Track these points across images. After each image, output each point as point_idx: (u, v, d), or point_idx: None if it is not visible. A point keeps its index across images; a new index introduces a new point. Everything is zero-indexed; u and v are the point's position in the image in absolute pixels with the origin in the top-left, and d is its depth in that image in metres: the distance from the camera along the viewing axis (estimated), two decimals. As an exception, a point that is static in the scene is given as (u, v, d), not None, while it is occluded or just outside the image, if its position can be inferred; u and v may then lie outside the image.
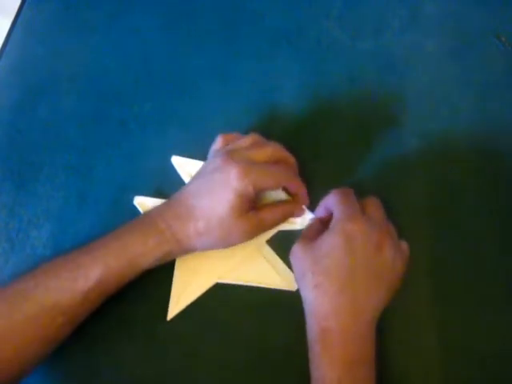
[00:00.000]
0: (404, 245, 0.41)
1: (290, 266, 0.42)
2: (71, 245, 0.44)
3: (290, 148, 0.47)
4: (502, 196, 0.45)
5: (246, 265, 0.43)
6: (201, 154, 0.45)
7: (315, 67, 0.51)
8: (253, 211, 0.40)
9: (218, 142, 0.43)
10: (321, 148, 0.48)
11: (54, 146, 0.50)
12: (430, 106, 0.49)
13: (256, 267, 0.43)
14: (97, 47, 0.54)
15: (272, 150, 0.41)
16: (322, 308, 0.37)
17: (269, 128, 0.48)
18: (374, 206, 0.41)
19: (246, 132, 0.43)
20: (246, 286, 0.43)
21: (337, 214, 0.39)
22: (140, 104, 0.51)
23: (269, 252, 0.44)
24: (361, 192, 0.43)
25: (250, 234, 0.41)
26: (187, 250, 0.41)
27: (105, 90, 0.52)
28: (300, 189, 0.42)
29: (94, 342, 0.42)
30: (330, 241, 0.38)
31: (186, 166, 0.47)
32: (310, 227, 0.43)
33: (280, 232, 0.44)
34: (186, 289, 0.43)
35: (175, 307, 0.42)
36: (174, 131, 0.49)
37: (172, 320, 0.42)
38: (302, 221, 0.44)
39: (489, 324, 0.41)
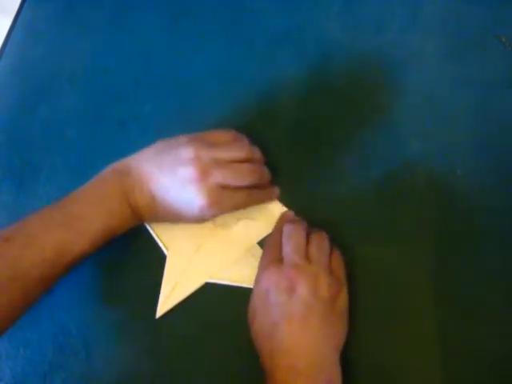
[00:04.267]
0: (336, 258, 0.41)
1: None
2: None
3: (290, 148, 0.47)
4: (502, 195, 0.45)
5: (236, 265, 0.43)
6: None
7: (315, 67, 0.51)
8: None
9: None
10: (320, 148, 0.48)
11: (54, 146, 0.50)
12: (429, 105, 0.49)
13: (246, 268, 0.43)
14: (97, 47, 0.54)
15: (247, 153, 0.41)
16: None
17: (268, 128, 0.48)
18: (285, 238, 0.41)
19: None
20: (236, 287, 0.43)
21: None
22: (140, 104, 0.51)
23: (259, 253, 0.44)
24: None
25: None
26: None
27: (105, 90, 0.52)
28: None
29: (89, 342, 0.42)
30: (252, 302, 0.40)
31: None
32: None
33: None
34: (175, 287, 0.43)
35: (164, 305, 0.42)
36: (173, 131, 0.49)
37: (160, 318, 0.42)
38: None
39: (489, 324, 0.41)
